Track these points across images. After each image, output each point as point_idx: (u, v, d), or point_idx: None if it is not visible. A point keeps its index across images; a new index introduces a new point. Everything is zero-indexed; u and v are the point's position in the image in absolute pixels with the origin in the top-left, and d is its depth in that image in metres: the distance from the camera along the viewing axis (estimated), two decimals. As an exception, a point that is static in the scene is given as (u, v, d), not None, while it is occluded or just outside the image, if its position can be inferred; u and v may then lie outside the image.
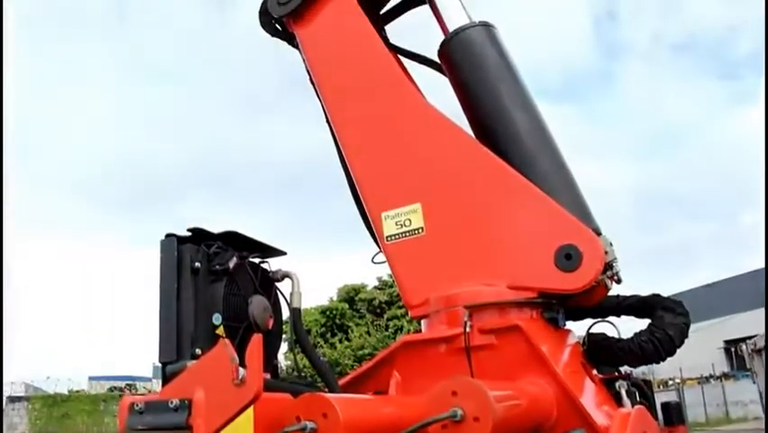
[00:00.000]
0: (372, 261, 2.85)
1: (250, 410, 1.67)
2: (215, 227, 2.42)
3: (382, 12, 3.39)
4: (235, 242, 2.43)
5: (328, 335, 32.17)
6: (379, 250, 2.74)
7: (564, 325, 2.53)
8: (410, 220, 2.59)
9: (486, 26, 2.89)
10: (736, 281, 36.25)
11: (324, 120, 3.03)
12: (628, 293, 2.67)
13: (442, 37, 2.98)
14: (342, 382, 2.51)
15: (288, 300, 2.52)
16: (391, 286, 30.56)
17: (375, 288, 33.82)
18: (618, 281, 2.51)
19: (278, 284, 2.58)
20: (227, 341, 1.71)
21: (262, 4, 3.20)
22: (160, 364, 2.21)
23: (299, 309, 2.46)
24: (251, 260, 2.51)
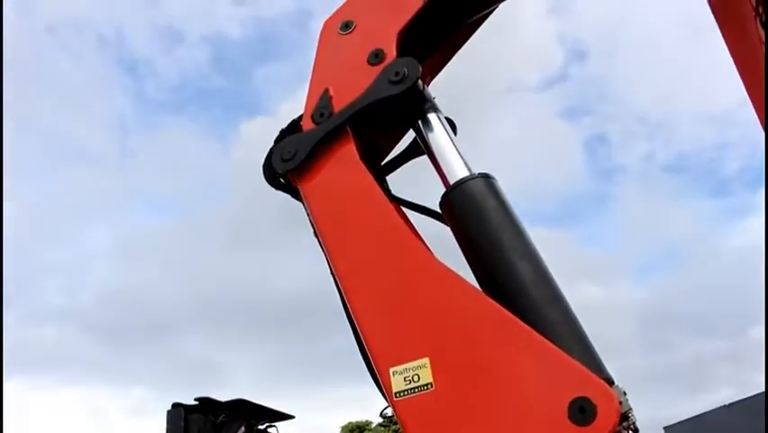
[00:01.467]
0: (381, 415, 2.79)
1: None
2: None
3: (383, 162, 3.52)
4: (243, 410, 2.39)
5: (335, 476, 30.78)
6: (387, 404, 2.69)
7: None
8: (419, 375, 2.55)
9: (486, 177, 2.99)
10: (757, 400, 35.17)
11: (329, 272, 3.06)
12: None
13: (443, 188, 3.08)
14: None
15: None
16: (396, 423, 29.51)
17: (380, 425, 32.75)
18: (636, 431, 2.45)
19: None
20: None
21: (266, 159, 3.32)
22: None
23: (308, 475, 2.37)
24: (259, 427, 2.45)
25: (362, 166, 3.06)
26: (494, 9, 3.62)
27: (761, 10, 3.41)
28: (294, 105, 3.43)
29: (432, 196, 3.18)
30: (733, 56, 3.73)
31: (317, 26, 3.54)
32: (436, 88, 3.51)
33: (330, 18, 3.47)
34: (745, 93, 3.68)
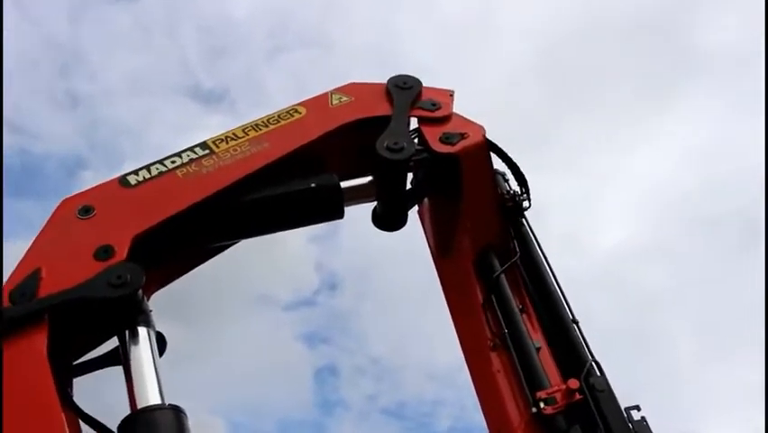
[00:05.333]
0: None
1: None
2: None
3: (76, 362, 3.16)
4: None
5: None
6: None
7: None
8: None
9: (176, 410, 2.78)
10: None
11: None
12: None
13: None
14: None
15: None
16: None
17: None
18: None
19: None
20: None
21: None
22: None
23: None
24: None
25: (46, 363, 2.72)
26: (234, 243, 3.69)
27: (486, 306, 3.72)
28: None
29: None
30: (458, 334, 3.94)
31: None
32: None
33: (71, 197, 3.28)
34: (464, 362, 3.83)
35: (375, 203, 3.91)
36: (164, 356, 3.05)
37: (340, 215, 3.69)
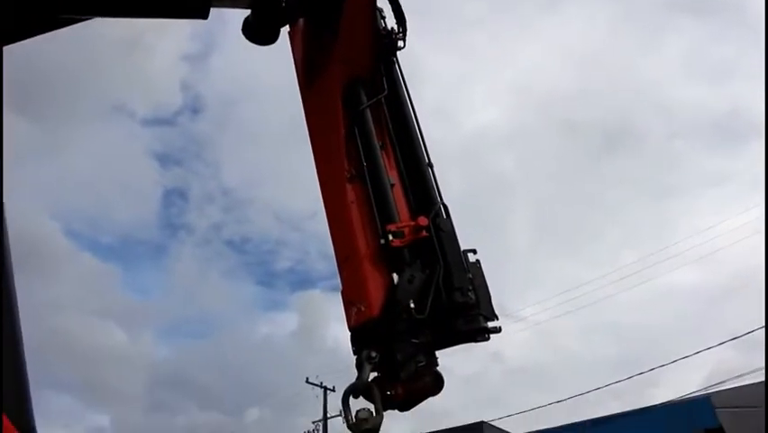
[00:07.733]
0: None
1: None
2: None
3: None
4: None
5: None
6: None
7: None
8: None
9: None
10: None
11: None
12: None
13: None
14: None
15: None
16: None
17: None
18: None
19: None
20: None
21: None
22: None
23: None
24: None
25: None
26: (88, 18, 3.33)
27: (348, 138, 3.62)
28: None
29: None
30: (317, 163, 3.84)
31: None
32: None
33: None
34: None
35: (248, 12, 3.66)
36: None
37: (203, 14, 3.39)
